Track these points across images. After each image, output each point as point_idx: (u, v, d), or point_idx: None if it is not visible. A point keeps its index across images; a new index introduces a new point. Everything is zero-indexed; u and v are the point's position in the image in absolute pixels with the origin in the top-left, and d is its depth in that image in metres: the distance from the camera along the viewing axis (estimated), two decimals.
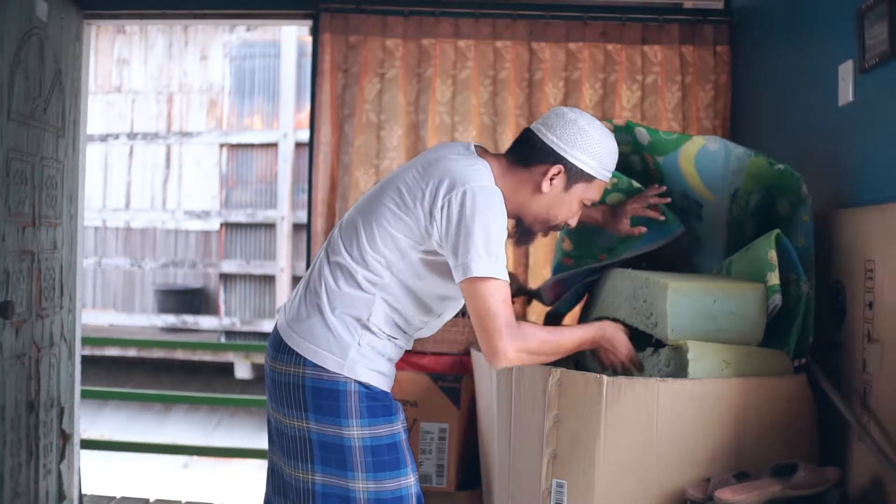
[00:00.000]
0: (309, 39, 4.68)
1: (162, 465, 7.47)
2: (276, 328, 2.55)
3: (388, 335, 2.47)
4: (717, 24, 4.36)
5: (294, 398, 2.42)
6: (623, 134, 2.98)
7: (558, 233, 3.21)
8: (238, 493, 5.61)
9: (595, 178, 2.49)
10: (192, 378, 10.76)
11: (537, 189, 2.47)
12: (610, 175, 2.54)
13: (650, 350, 2.73)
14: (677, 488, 2.48)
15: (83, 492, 4.40)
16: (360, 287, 2.42)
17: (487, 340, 2.32)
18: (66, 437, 4.05)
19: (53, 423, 3.91)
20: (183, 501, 4.85)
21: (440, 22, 4.35)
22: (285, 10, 4.54)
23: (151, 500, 4.84)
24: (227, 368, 10.68)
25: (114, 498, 4.82)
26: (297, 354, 2.42)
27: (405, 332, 2.53)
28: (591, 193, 2.53)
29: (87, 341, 4.99)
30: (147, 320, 11.70)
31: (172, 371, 10.87)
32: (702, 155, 2.87)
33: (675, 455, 2.50)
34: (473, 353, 3.25)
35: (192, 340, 10.87)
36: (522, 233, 2.59)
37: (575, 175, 2.46)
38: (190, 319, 11.49)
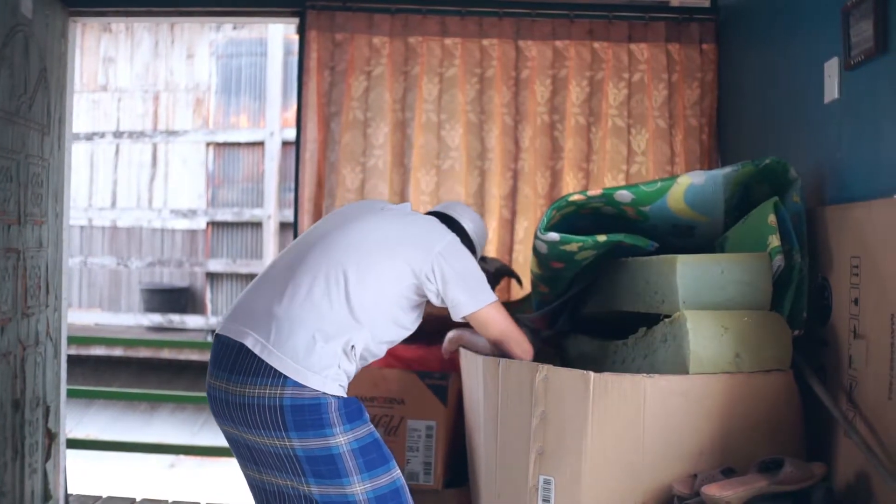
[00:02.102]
0: (296, 38, 4.66)
1: (148, 464, 7.45)
2: (242, 350, 2.52)
3: (358, 364, 2.64)
4: (703, 21, 4.37)
5: (271, 419, 2.45)
6: (596, 199, 2.99)
7: (533, 279, 3.34)
8: (224, 492, 5.59)
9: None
10: (179, 377, 10.71)
11: None
12: None
13: (643, 330, 2.75)
14: (664, 484, 2.49)
15: (69, 491, 4.38)
16: (353, 317, 2.57)
17: (514, 347, 2.80)
18: (51, 437, 4.04)
19: (39, 422, 3.90)
20: (169, 501, 4.84)
21: (427, 20, 4.35)
22: (272, 8, 4.53)
23: (138, 499, 4.82)
24: None
25: (100, 497, 4.80)
26: (278, 374, 2.44)
27: (367, 361, 2.71)
28: None
29: (72, 340, 4.97)
30: (133, 319, 11.66)
31: (159, 370, 10.82)
32: (691, 192, 2.89)
33: (661, 451, 2.50)
34: (462, 350, 3.24)
35: (179, 339, 10.83)
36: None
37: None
38: (176, 318, 11.45)
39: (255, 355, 2.47)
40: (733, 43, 4.15)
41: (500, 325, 2.77)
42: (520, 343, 2.79)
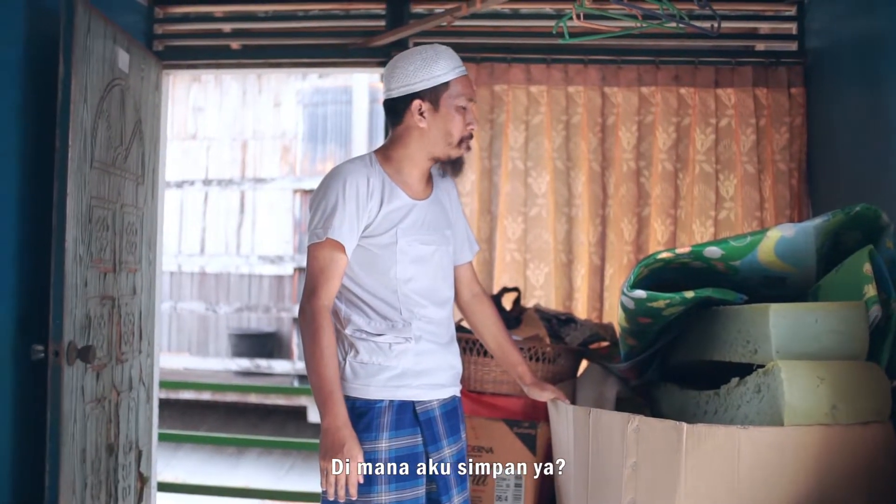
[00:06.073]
0: (380, 85, 4.72)
1: None
2: None
3: (366, 342, 2.68)
4: (790, 65, 4.33)
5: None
6: (685, 255, 2.96)
7: (621, 331, 3.23)
8: None
9: (446, 82, 2.69)
10: (265, 421, 10.81)
11: (418, 129, 2.71)
12: (454, 67, 2.71)
13: (735, 381, 2.70)
14: None
15: None
16: (335, 313, 2.70)
17: (304, 296, 2.63)
18: (143, 480, 4.10)
19: (132, 466, 3.96)
20: None
21: (512, 68, 4.38)
22: (358, 59, 4.60)
23: None
24: (300, 412, 10.71)
25: None
26: None
27: (393, 324, 2.70)
28: (460, 98, 2.71)
29: (162, 385, 5.05)
30: (221, 364, 11.81)
31: (246, 414, 10.94)
32: (781, 245, 2.83)
33: None
34: (550, 404, 3.21)
35: (266, 384, 10.94)
36: (448, 165, 2.78)
37: (431, 94, 2.68)
38: (263, 363, 11.56)
39: None
40: (822, 86, 4.10)
41: (310, 267, 2.62)
42: (309, 296, 2.60)
